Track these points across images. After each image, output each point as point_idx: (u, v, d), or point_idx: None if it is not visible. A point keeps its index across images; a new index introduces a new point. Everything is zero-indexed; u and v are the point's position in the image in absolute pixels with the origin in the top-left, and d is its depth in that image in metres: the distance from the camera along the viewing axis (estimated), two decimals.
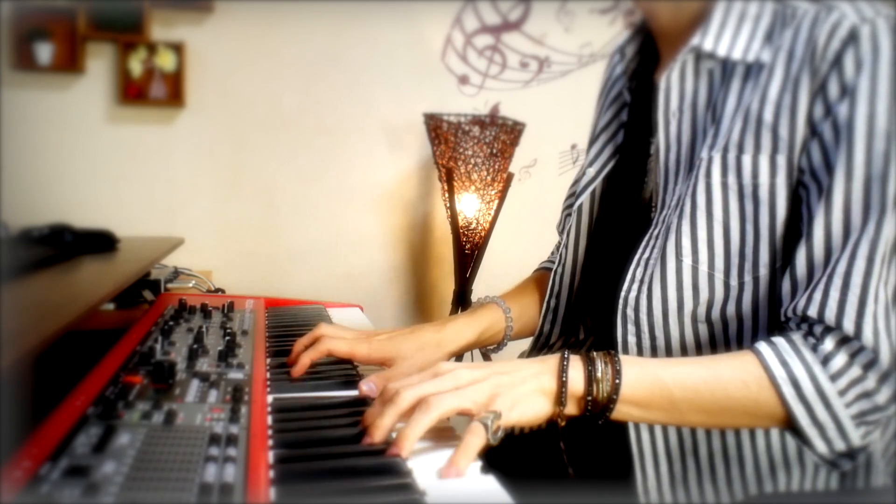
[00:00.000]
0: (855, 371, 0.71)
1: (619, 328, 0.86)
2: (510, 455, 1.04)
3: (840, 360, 0.71)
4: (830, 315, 0.72)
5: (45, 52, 2.33)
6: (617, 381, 0.71)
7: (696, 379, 0.73)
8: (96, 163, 2.46)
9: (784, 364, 0.72)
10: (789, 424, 0.73)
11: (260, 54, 2.54)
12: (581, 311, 1.06)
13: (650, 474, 0.85)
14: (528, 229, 2.75)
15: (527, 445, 1.06)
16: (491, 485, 0.62)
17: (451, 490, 0.60)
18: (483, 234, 2.46)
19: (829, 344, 0.72)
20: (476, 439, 0.65)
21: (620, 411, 0.73)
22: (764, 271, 0.78)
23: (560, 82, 2.79)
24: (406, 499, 0.57)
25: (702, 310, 0.81)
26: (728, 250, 0.79)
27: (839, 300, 0.71)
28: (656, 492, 0.85)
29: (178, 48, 2.42)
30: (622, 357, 0.73)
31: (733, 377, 0.72)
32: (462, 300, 2.44)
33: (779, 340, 0.73)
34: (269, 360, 0.92)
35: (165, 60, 2.42)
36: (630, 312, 0.85)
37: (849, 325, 0.71)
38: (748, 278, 0.79)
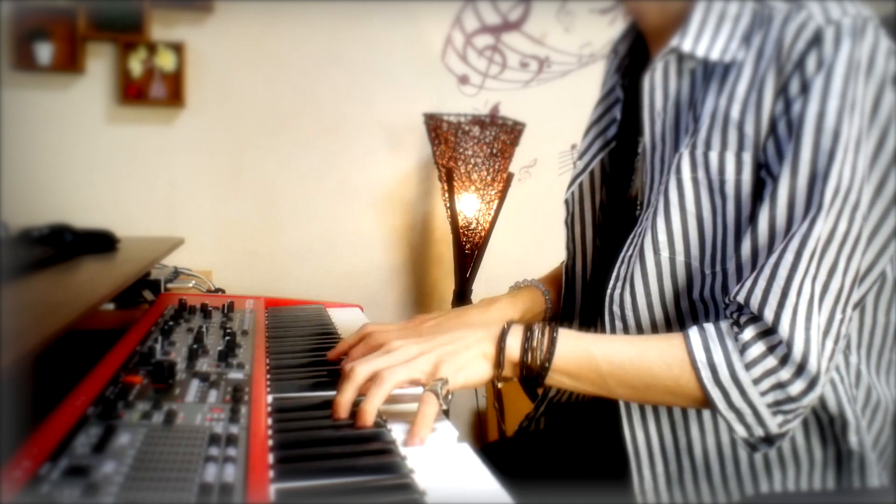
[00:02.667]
0: (770, 361, 0.73)
1: (608, 324, 0.87)
2: (510, 455, 1.04)
3: (757, 349, 0.74)
4: (755, 303, 0.74)
5: (45, 52, 2.33)
6: (550, 351, 0.77)
7: (623, 356, 0.77)
8: (96, 163, 2.45)
9: (707, 349, 0.75)
10: (709, 407, 0.76)
11: (260, 54, 2.54)
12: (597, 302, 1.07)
13: (646, 474, 0.85)
14: (528, 229, 2.75)
15: (526, 446, 1.06)
16: (491, 485, 0.62)
17: (451, 490, 0.60)
18: (483, 234, 2.46)
19: (748, 333, 0.74)
20: (430, 407, 0.71)
21: (553, 379, 0.78)
22: (731, 264, 0.80)
23: (560, 82, 2.79)
24: (406, 498, 0.57)
25: (683, 297, 0.84)
26: (702, 240, 0.81)
27: (764, 289, 0.74)
28: (653, 492, 0.85)
29: (178, 48, 2.42)
30: (561, 329, 0.78)
31: (658, 358, 0.76)
32: (462, 300, 2.44)
33: (708, 327, 0.76)
34: (269, 360, 0.92)
35: (165, 60, 2.42)
36: (616, 309, 0.87)
37: (769, 315, 0.73)
38: (718, 268, 0.81)
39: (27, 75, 2.37)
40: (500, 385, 0.80)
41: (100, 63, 2.42)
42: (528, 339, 0.77)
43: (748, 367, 0.74)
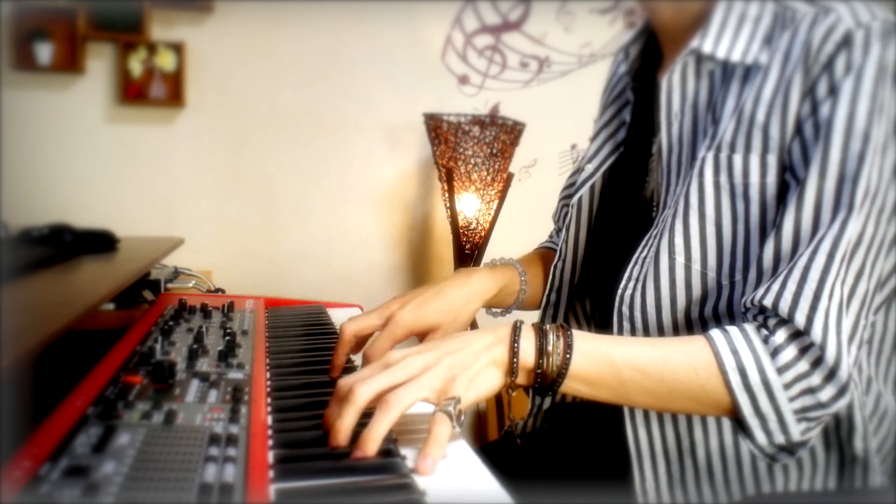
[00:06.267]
0: (802, 366, 0.71)
1: (616, 325, 0.86)
2: (510, 455, 1.04)
3: (789, 353, 0.71)
4: (784, 307, 0.72)
5: (45, 52, 2.33)
6: (567, 355, 0.71)
7: (645, 360, 0.72)
8: (96, 163, 2.46)
9: (734, 352, 0.72)
10: (733, 413, 0.73)
11: (260, 54, 2.54)
12: (578, 306, 1.07)
13: (648, 475, 0.85)
14: (528, 229, 2.75)
15: (526, 446, 1.06)
16: (491, 485, 0.62)
17: (451, 490, 0.60)
18: (483, 234, 2.46)
19: (780, 336, 0.72)
20: (444, 428, 0.64)
21: (569, 386, 0.73)
22: (752, 271, 0.78)
23: (560, 82, 2.79)
24: (406, 498, 0.57)
25: (695, 307, 0.82)
26: (720, 249, 0.80)
27: (794, 292, 0.72)
28: (654, 492, 0.85)
29: (178, 48, 2.42)
30: (575, 332, 0.73)
31: (683, 361, 0.72)
32: None
33: (732, 329, 0.73)
34: (268, 360, 0.92)
35: (165, 60, 2.42)
36: (626, 310, 0.85)
37: (800, 319, 0.71)
38: (739, 277, 0.80)
39: (27, 75, 2.37)
40: (513, 393, 0.73)
41: (100, 63, 2.42)
42: (541, 341, 0.72)
43: (780, 371, 0.71)
